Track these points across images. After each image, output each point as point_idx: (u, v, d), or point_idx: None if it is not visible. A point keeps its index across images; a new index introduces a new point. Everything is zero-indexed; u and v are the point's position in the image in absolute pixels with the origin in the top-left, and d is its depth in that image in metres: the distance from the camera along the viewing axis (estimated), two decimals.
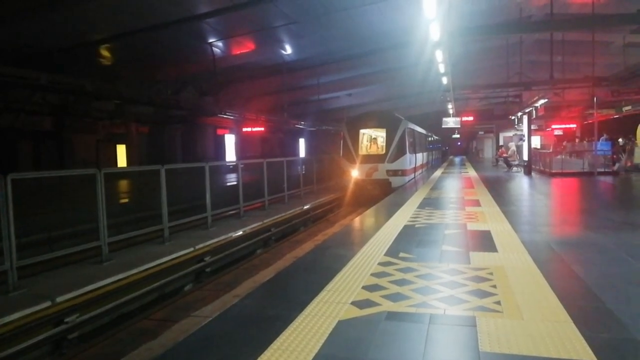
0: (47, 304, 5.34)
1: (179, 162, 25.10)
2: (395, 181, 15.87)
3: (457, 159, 43.54)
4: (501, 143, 32.94)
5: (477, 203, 9.82)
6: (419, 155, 20.92)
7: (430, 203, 10.07)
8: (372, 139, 18.41)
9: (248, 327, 3.33)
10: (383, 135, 17.21)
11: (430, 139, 29.68)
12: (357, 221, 8.12)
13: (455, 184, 15.09)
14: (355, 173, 16.21)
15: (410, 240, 6.11)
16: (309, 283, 4.31)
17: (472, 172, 21.30)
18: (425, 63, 16.03)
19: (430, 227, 7.09)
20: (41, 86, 16.63)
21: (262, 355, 2.80)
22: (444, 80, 14.15)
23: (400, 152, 16.19)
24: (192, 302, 6.86)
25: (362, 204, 14.91)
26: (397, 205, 9.74)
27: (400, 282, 4.21)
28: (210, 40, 18.76)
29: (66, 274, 6.47)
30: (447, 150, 63.75)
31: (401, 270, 4.63)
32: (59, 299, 5.48)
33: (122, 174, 15.21)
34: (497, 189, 13.28)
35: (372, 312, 3.48)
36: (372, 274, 4.49)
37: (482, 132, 46.03)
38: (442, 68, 12.08)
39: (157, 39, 16.91)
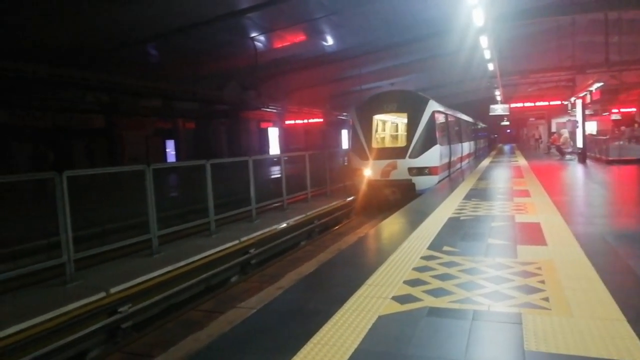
0: (102, 294, 5.62)
1: (224, 155, 25.64)
2: (421, 182, 12.20)
3: (506, 147, 42.08)
4: (553, 129, 31.54)
5: (526, 193, 9.46)
6: (458, 146, 17.08)
7: (477, 194, 9.79)
8: (389, 127, 15.35)
9: (289, 320, 3.37)
10: (404, 122, 14.03)
11: (473, 126, 26.13)
12: (399, 214, 8.01)
13: (503, 174, 14.60)
14: (367, 172, 12.52)
15: (454, 233, 5.98)
16: (350, 277, 4.31)
17: (522, 161, 20.52)
18: (469, 49, 15.51)
19: (476, 219, 6.90)
20: (91, 86, 17.40)
21: (302, 349, 2.82)
22: (490, 66, 13.67)
23: (427, 143, 12.46)
24: (238, 293, 7.02)
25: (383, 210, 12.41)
26: (442, 197, 9.54)
27: (443, 277, 4.13)
28: (252, 35, 18.96)
29: (119, 266, 6.78)
30: (495, 138, 61.76)
31: (444, 264, 4.54)
32: (112, 290, 5.76)
33: (170, 168, 15.69)
34: (549, 178, 12.74)
35: (413, 308, 3.44)
36: (414, 268, 4.42)
37: (533, 119, 44.21)
38: (487, 54, 11.67)
39: (200, 36, 17.26)
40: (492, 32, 9.15)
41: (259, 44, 19.79)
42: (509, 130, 63.41)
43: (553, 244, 5.10)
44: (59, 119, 19.54)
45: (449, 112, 15.77)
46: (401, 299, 3.62)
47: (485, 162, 20.60)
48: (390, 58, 25.00)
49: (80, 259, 6.19)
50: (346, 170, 14.34)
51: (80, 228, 7.98)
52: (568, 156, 20.85)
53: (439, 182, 12.56)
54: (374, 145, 13.02)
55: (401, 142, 13.99)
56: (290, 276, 6.94)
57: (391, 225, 7.16)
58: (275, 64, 22.64)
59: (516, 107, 28.17)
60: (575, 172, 14.81)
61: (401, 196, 11.99)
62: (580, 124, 18.61)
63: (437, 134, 12.88)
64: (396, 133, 15.68)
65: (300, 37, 20.31)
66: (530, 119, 45.43)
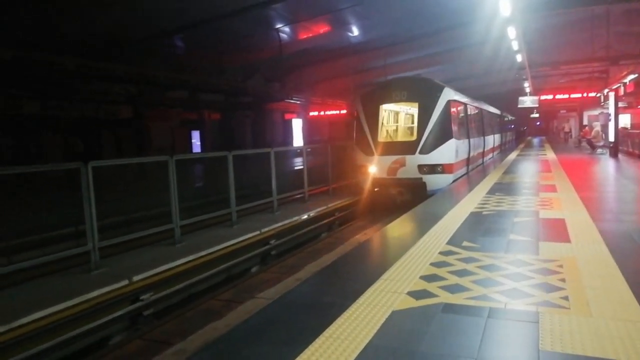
0: (125, 282, 5.76)
1: (249, 147, 25.86)
2: (433, 182, 10.74)
3: (535, 140, 41.09)
4: (585, 122, 30.61)
5: (553, 188, 9.23)
6: (479, 140, 15.35)
7: (501, 188, 9.61)
8: (397, 118, 13.83)
9: (304, 312, 3.39)
10: (414, 112, 12.48)
11: (499, 119, 24.40)
12: (420, 208, 7.93)
13: (530, 168, 14.28)
14: (372, 169, 11.15)
15: (475, 229, 5.89)
16: (366, 271, 4.30)
17: (550, 155, 20.02)
18: (496, 40, 15.11)
19: (498, 214, 6.78)
20: (117, 78, 17.73)
21: (314, 342, 2.83)
22: (519, 57, 13.30)
23: (441, 136, 10.93)
24: (257, 284, 7.10)
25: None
26: (465, 191, 9.40)
27: (461, 273, 4.07)
28: (277, 26, 18.98)
29: (142, 254, 6.93)
30: (525, 130, 60.40)
31: (463, 260, 4.48)
32: (135, 278, 5.90)
33: (195, 159, 15.91)
34: (578, 172, 12.40)
35: (428, 304, 3.41)
36: (431, 264, 4.38)
37: (564, 111, 43.01)
38: (515, 45, 11.36)
39: (225, 28, 17.37)
40: (520, 23, 8.88)
41: (283, 36, 19.80)
42: (538, 123, 61.91)
43: (577, 242, 4.97)
44: (87, 110, 20.02)
45: (468, 102, 14.11)
46: (416, 294, 3.59)
47: (512, 156, 20.17)
48: (415, 49, 24.66)
49: (105, 247, 6.36)
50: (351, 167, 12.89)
51: (106, 217, 8.18)
52: (599, 150, 20.22)
53: (455, 181, 11.17)
54: (380, 138, 11.51)
55: (411, 136, 12.54)
56: (309, 268, 6.97)
57: (411, 219, 7.09)
58: (299, 56, 22.62)
59: (546, 100, 27.45)
60: (606, 167, 14.36)
61: (410, 197, 10.75)
62: (612, 117, 18.01)
63: (453, 127, 11.32)
64: (405, 125, 14.06)
65: (325, 28, 20.22)
66: (561, 111, 44.23)
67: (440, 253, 4.75)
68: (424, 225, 6.22)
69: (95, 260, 6.03)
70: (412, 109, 12.91)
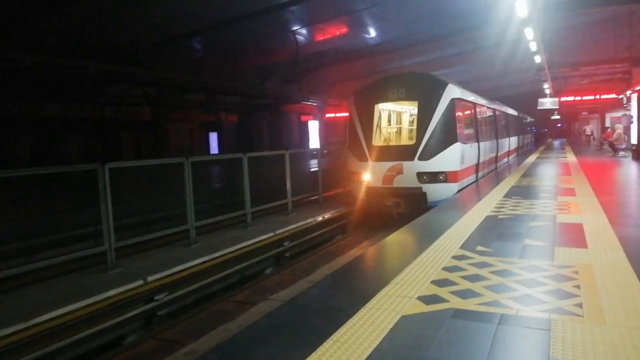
0: (140, 282, 5.84)
1: (266, 148, 26.00)
2: (434, 192, 9.53)
3: (556, 142, 40.38)
4: (607, 124, 29.96)
5: (572, 192, 9.05)
6: (491, 144, 13.91)
7: (519, 192, 9.47)
8: (394, 119, 12.56)
9: (312, 316, 3.39)
10: (413, 112, 11.48)
11: (517, 120, 22.83)
12: (435, 212, 7.86)
13: (549, 171, 14.04)
14: (366, 177, 9.95)
15: (490, 233, 5.81)
16: (377, 274, 4.29)
17: (571, 157, 19.65)
18: (514, 40, 14.89)
19: (514, 218, 6.68)
20: (137, 80, 18.02)
21: (321, 346, 2.83)
22: (537, 58, 13.08)
23: (444, 140, 9.68)
24: (271, 285, 7.13)
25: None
26: (481, 194, 9.29)
27: (473, 278, 4.03)
28: (294, 29, 19.04)
29: (157, 255, 7.03)
30: (545, 132, 59.45)
31: (476, 265, 4.43)
32: (150, 278, 5.98)
33: (212, 160, 16.09)
34: (598, 176, 12.15)
35: (438, 309, 3.38)
36: (443, 268, 4.34)
37: (586, 113, 42.18)
38: (533, 46, 11.18)
39: (241, 31, 17.51)
40: (539, 23, 8.74)
41: (300, 37, 19.86)
42: (559, 125, 60.86)
43: (594, 247, 4.87)
44: (108, 112, 20.40)
45: (478, 100, 12.66)
46: (426, 299, 3.56)
47: (532, 158, 19.87)
48: (432, 50, 24.48)
49: (121, 248, 6.46)
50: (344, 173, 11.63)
51: (123, 217, 8.31)
52: (621, 153, 19.77)
53: (460, 191, 9.97)
54: (375, 142, 10.30)
55: (409, 139, 11.46)
56: (322, 270, 7.00)
57: (425, 222, 7.04)
58: (316, 57, 22.66)
59: (567, 101, 26.97)
60: (628, 170, 14.04)
61: (407, 209, 9.60)
62: (635, 119, 17.59)
63: (459, 128, 10.06)
64: (403, 127, 12.80)
65: (342, 30, 20.21)
66: (583, 113, 43.39)
67: (453, 257, 4.70)
68: (437, 229, 6.17)
69: (111, 260, 6.13)
70: (411, 108, 11.86)
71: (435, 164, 9.45)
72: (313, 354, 2.75)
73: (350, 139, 10.55)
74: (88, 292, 5.32)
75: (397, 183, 9.64)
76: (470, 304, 3.44)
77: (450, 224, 6.41)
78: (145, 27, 15.98)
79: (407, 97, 10.29)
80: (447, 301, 3.52)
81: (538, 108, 25.98)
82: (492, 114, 14.90)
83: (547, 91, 24.33)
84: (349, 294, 3.84)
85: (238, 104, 25.49)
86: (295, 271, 7.84)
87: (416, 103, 10.17)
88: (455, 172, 9.67)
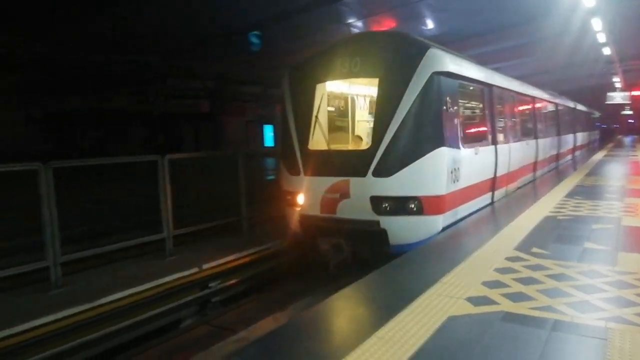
0: (195, 269, 6.11)
1: None
2: (401, 230, 5.93)
3: (627, 139, 37.81)
4: None
5: None
6: (522, 147, 9.60)
7: (582, 191, 8.99)
8: (345, 107, 8.51)
9: (357, 311, 3.42)
10: (371, 95, 8.08)
11: (572, 113, 18.40)
12: (489, 209, 7.61)
13: (618, 170, 13.23)
14: (300, 200, 6.38)
15: (547, 234, 5.57)
16: (424, 273, 4.24)
17: None
18: (579, 31, 13.98)
19: (575, 219, 6.37)
20: (193, 74, 18.61)
21: (364, 343, 2.85)
22: (606, 50, 12.25)
23: (418, 142, 5.92)
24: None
25: None
26: (540, 193, 8.90)
27: (526, 281, 3.89)
28: (349, 21, 18.94)
29: (212, 244, 7.28)
30: (615, 128, 55.91)
31: (530, 267, 4.27)
32: (205, 266, 6.24)
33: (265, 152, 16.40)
34: None
35: (487, 311, 3.30)
36: (495, 269, 4.23)
37: None
38: (601, 37, 10.47)
39: (294, 24, 17.62)
40: (606, 13, 8.19)
41: (355, 30, 19.72)
42: (631, 121, 56.93)
43: None
44: (169, 105, 21.28)
45: (494, 79, 8.38)
46: (476, 301, 3.49)
47: (598, 156, 18.74)
48: (493, 42, 23.47)
49: (178, 236, 6.76)
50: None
51: (182, 207, 8.63)
52: None
53: (447, 228, 6.11)
54: (312, 145, 6.56)
55: (361, 141, 7.83)
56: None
57: (478, 221, 6.83)
58: None
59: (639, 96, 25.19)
60: None
61: (357, 254, 6.19)
62: None
63: (447, 122, 6.14)
64: (356, 121, 8.67)
65: (398, 22, 19.87)
66: None
67: (507, 259, 4.56)
68: (491, 228, 6.00)
69: (169, 248, 6.45)
70: (369, 88, 8.08)
71: (401, 184, 5.75)
72: (357, 349, 2.77)
73: (283, 141, 6.98)
74: (146, 278, 5.65)
75: (343, 212, 6.01)
76: (521, 308, 3.34)
77: (504, 223, 6.20)
78: (206, 21, 16.46)
79: (364, 72, 6.46)
80: (498, 303, 3.43)
81: (607, 102, 24.45)
82: (524, 101, 10.78)
83: (618, 85, 22.82)
84: (395, 291, 3.83)
85: None
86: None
87: (376, 81, 6.31)
88: (437, 199, 5.90)
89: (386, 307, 3.41)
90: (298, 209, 6.37)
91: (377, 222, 5.84)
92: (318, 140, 6.66)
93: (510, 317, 3.19)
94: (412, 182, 5.78)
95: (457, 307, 3.38)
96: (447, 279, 3.98)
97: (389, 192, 5.77)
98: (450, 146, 6.09)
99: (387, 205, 5.79)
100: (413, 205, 5.77)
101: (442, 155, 5.93)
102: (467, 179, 6.59)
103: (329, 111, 7.51)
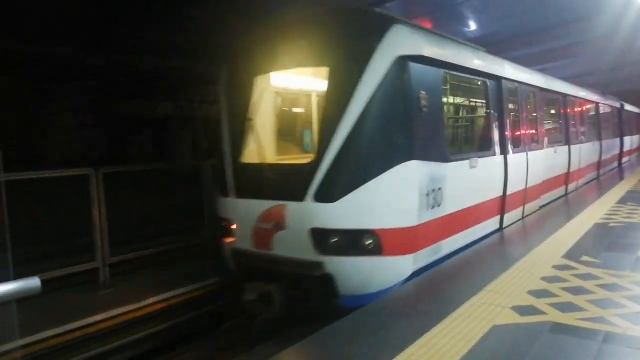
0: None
1: None
2: (351, 274, 4.28)
3: None
4: None
5: None
6: (548, 156, 8.22)
7: (636, 197, 8.57)
8: (287, 107, 6.90)
9: (400, 319, 3.41)
10: (320, 93, 6.42)
11: (617, 114, 16.19)
12: (534, 217, 7.37)
13: None
14: (233, 229, 5.00)
15: (598, 242, 5.36)
16: (468, 281, 4.16)
17: None
18: (632, 29, 13.30)
19: (628, 227, 6.09)
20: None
21: (407, 349, 2.84)
22: None
23: (376, 154, 4.39)
24: None
25: None
26: (590, 199, 8.55)
27: (576, 291, 3.76)
28: None
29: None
30: None
31: (580, 276, 4.12)
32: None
33: None
34: None
35: (534, 321, 3.21)
36: (542, 278, 4.10)
37: None
38: None
39: None
40: None
41: None
42: None
43: None
44: (213, 111, 21.83)
45: (504, 69, 6.91)
46: (522, 310, 3.40)
47: None
48: (538, 43, 22.83)
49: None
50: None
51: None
52: None
53: (427, 269, 4.65)
54: (245, 157, 5.24)
55: (301, 152, 6.72)
56: None
57: (524, 227, 6.65)
58: None
59: None
60: None
61: (288, 309, 4.67)
62: None
63: (420, 126, 4.69)
64: (298, 125, 7.15)
65: (440, 24, 19.65)
66: None
67: (554, 267, 4.42)
68: (538, 236, 5.81)
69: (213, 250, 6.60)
70: (319, 83, 6.06)
71: (351, 211, 4.28)
72: (398, 356, 2.77)
73: (217, 153, 5.50)
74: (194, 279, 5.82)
75: (279, 249, 4.57)
76: (570, 319, 3.23)
77: (552, 231, 6.00)
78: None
79: (310, 60, 4.94)
80: (545, 314, 3.33)
81: None
82: (550, 100, 9.34)
83: None
84: (438, 299, 3.79)
85: None
86: None
87: (326, 71, 4.74)
88: (404, 232, 4.42)
89: (430, 314, 3.38)
90: (230, 241, 5.00)
91: (321, 265, 4.28)
92: (253, 151, 5.31)
93: (558, 328, 3.09)
94: (367, 210, 4.26)
95: (503, 316, 3.31)
96: (492, 287, 3.90)
97: (335, 223, 4.24)
98: (425, 159, 4.58)
99: (334, 241, 4.25)
100: (369, 242, 4.22)
101: (410, 172, 4.43)
102: (457, 201, 5.14)
103: (277, 113, 6.02)
